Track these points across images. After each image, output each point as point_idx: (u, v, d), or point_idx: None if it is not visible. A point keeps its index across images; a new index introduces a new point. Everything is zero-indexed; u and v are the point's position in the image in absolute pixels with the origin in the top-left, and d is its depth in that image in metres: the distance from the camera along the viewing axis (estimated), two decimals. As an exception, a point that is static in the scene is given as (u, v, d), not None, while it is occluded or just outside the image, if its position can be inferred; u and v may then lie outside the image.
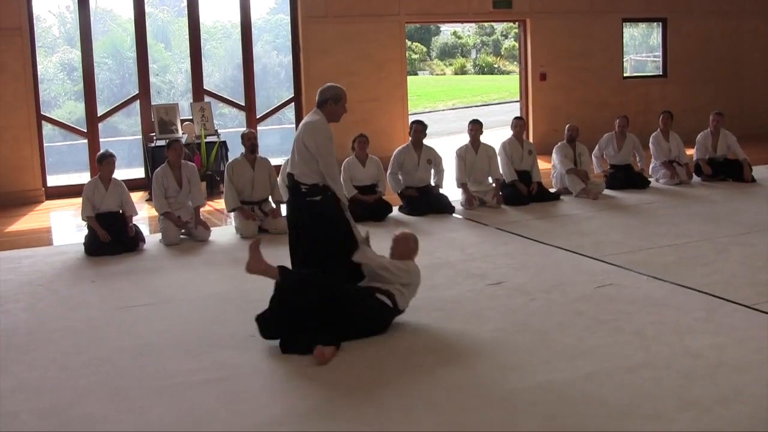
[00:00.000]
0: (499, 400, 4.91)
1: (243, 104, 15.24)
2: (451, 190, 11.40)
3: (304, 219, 6.66)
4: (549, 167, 12.40)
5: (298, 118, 15.13)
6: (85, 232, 9.53)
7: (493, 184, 11.37)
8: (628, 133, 12.58)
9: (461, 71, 47.46)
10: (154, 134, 13.80)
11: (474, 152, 11.37)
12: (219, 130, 14.25)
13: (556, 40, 17.12)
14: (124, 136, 16.12)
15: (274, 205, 10.32)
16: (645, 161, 12.79)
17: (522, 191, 11.32)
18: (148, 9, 15.06)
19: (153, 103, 14.32)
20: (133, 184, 12.40)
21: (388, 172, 10.97)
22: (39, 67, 14.19)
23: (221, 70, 17.62)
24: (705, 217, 10.12)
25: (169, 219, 9.74)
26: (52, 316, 7.03)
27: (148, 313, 7.00)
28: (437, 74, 46.93)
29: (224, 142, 13.83)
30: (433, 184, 11.14)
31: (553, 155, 12.06)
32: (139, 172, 14.34)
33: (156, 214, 10.11)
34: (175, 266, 8.72)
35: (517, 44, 19.66)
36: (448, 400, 4.95)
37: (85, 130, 14.23)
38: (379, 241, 7.00)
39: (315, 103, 6.83)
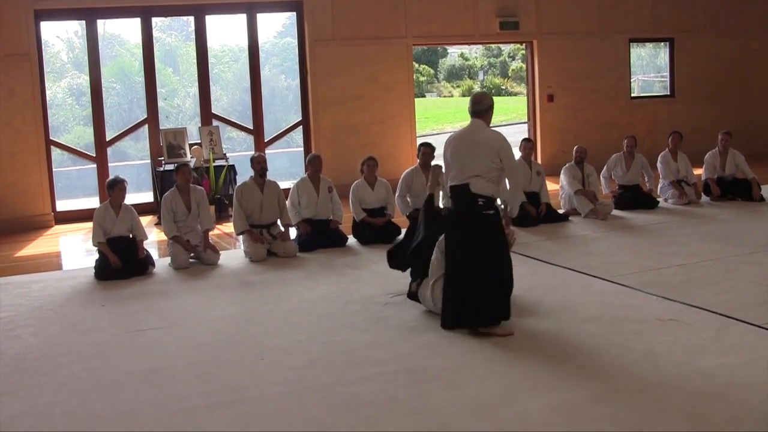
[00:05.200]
0: (507, 421, 4.89)
1: (251, 128, 15.29)
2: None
3: (475, 229, 6.82)
4: (557, 188, 12.39)
5: (307, 141, 15.21)
6: (95, 256, 9.56)
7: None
8: (636, 154, 12.58)
9: (469, 93, 47.39)
10: (162, 158, 13.85)
11: (482, 174, 11.32)
12: (227, 154, 14.33)
13: (563, 61, 17.17)
14: (132, 161, 16.21)
15: (282, 228, 10.33)
16: (653, 181, 12.79)
17: (531, 213, 11.30)
18: (155, 34, 15.16)
19: (161, 128, 14.39)
20: (142, 209, 12.43)
21: (397, 194, 10.90)
22: (47, 92, 14.30)
23: (229, 94, 17.71)
24: (714, 237, 10.10)
25: (178, 243, 9.77)
26: (62, 341, 7.04)
27: (159, 336, 7.00)
28: (445, 96, 46.99)
29: (233, 166, 13.88)
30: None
31: (561, 176, 12.07)
32: (147, 197, 14.39)
33: (165, 238, 10.14)
34: (185, 290, 8.72)
35: (524, 66, 19.70)
36: (460, 418, 4.93)
37: (94, 155, 14.30)
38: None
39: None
